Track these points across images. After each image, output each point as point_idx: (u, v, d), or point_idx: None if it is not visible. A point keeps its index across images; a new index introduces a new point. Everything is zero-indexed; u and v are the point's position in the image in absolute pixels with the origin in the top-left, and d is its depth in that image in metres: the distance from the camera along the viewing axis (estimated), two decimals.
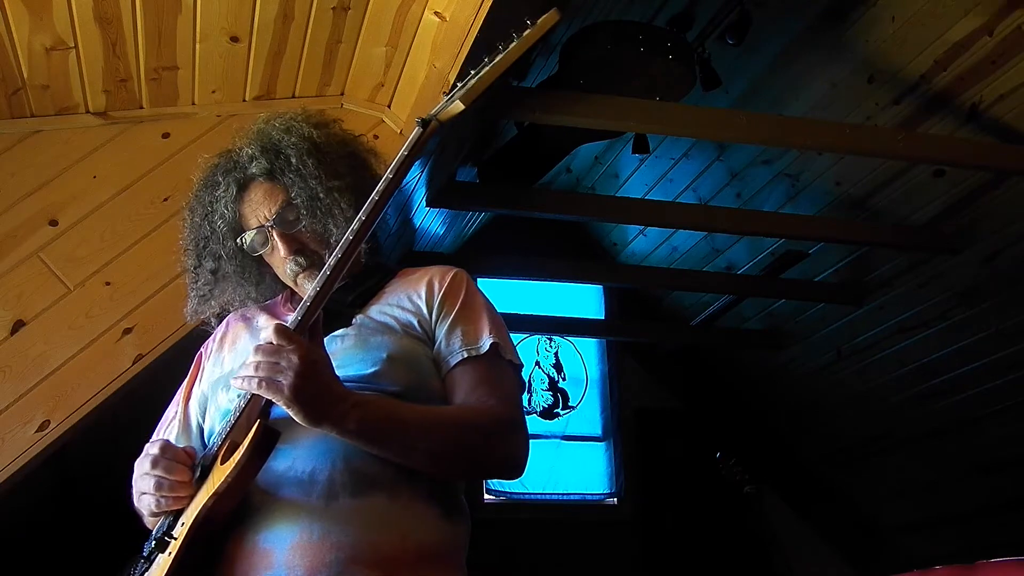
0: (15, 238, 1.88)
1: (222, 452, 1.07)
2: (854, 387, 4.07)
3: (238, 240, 1.31)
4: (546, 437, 4.49)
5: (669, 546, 4.37)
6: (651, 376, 4.80)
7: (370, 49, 2.05)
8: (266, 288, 1.38)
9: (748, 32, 2.84)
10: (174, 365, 1.57)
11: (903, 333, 3.66)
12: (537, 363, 4.68)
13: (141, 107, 2.04)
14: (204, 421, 1.29)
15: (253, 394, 1.06)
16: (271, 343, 1.03)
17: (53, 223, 1.92)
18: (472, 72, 1.18)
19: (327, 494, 1.07)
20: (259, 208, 1.29)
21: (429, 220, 3.34)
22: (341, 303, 1.24)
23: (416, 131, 1.15)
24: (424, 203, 2.85)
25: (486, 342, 1.21)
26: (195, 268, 1.35)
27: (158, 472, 1.10)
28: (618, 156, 4.00)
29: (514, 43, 1.18)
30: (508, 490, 4.32)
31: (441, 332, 1.23)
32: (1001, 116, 2.73)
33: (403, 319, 1.24)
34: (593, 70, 2.62)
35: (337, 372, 1.09)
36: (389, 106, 2.22)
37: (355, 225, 1.10)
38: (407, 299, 1.27)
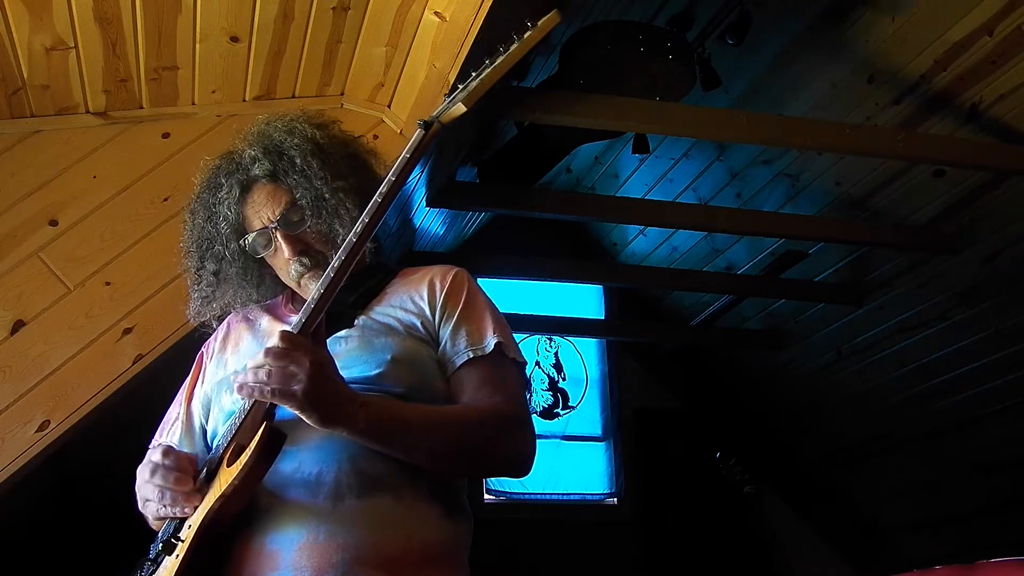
0: (15, 238, 1.89)
1: (228, 454, 1.07)
2: (854, 387, 4.07)
3: (241, 242, 1.31)
4: (546, 437, 4.49)
5: (669, 546, 4.37)
6: (651, 376, 4.80)
7: (370, 49, 2.05)
8: (267, 290, 1.38)
9: (748, 32, 2.84)
10: (174, 365, 1.57)
11: (903, 333, 3.66)
12: (537, 363, 4.68)
13: (141, 107, 2.04)
14: (207, 422, 1.30)
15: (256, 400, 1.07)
16: (278, 348, 1.03)
17: (53, 223, 1.92)
18: (473, 74, 1.18)
19: (334, 495, 1.07)
20: (262, 210, 1.29)
21: (429, 220, 3.34)
22: (343, 304, 1.24)
23: (418, 133, 1.15)
24: (424, 203, 2.85)
25: (490, 342, 1.22)
26: (197, 270, 1.35)
27: (159, 481, 1.10)
28: (618, 156, 4.00)
29: (515, 45, 1.18)
30: (508, 490, 4.32)
31: (445, 333, 1.24)
32: (1001, 116, 2.73)
33: (406, 320, 1.24)
34: (593, 70, 2.62)
35: (341, 373, 1.09)
36: (389, 106, 2.22)
37: (358, 227, 1.11)
38: (409, 300, 1.27)
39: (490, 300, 1.31)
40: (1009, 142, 2.75)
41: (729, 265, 4.10)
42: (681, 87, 2.75)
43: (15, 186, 1.92)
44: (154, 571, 1.11)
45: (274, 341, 1.04)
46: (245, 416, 1.08)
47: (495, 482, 4.29)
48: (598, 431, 4.64)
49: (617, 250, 4.65)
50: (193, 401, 1.33)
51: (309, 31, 1.96)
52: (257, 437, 1.02)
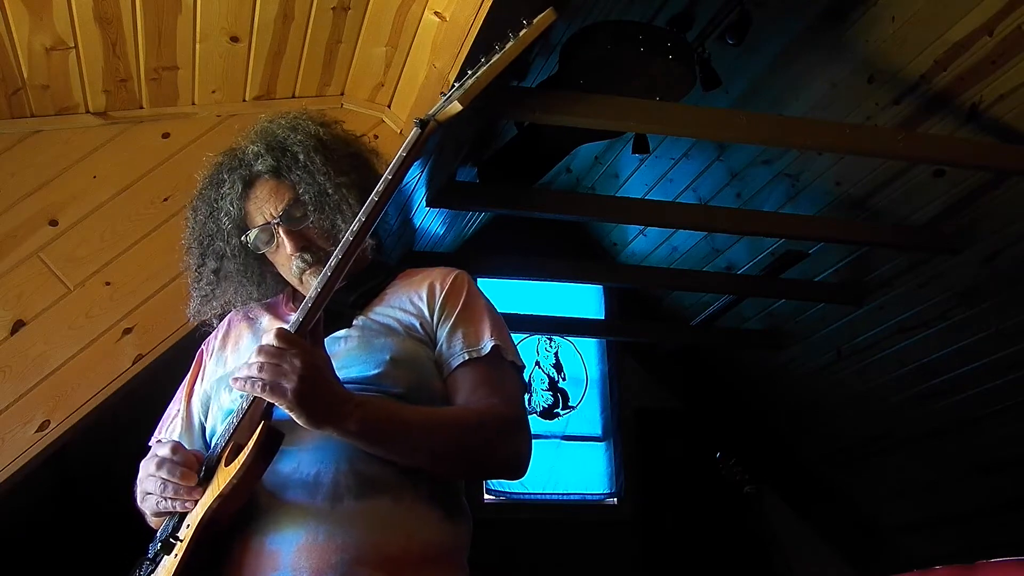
0: (15, 238, 1.89)
1: (226, 454, 1.07)
2: (854, 387, 4.07)
3: (243, 238, 1.31)
4: (546, 437, 4.49)
5: (669, 546, 4.37)
6: (651, 376, 4.80)
7: (370, 49, 2.05)
8: (267, 288, 1.38)
9: (748, 32, 2.84)
10: (174, 365, 1.57)
11: (903, 333, 3.66)
12: (537, 363, 4.67)
13: (141, 107, 2.04)
14: (206, 420, 1.30)
15: (254, 399, 1.07)
16: (273, 346, 1.03)
17: (53, 223, 1.92)
18: (469, 72, 1.18)
19: (332, 496, 1.07)
20: (265, 205, 1.29)
21: (429, 220, 3.34)
22: (342, 304, 1.24)
23: (414, 132, 1.15)
24: (424, 203, 2.85)
25: (487, 344, 1.22)
26: (198, 267, 1.35)
27: (164, 474, 1.10)
28: (618, 156, 4.00)
29: (511, 43, 1.17)
30: (508, 490, 4.32)
31: (443, 334, 1.24)
32: (1001, 116, 2.73)
33: (405, 321, 1.24)
34: (593, 70, 2.62)
35: (339, 373, 1.09)
36: (389, 106, 2.22)
37: (355, 226, 1.11)
38: (409, 301, 1.27)
39: (489, 303, 1.31)
40: (1009, 142, 2.75)
41: (729, 265, 4.10)
42: (681, 87, 2.75)
43: (15, 186, 1.92)
44: (153, 570, 1.11)
45: (269, 339, 1.04)
46: (243, 415, 1.08)
47: (495, 482, 4.28)
48: (598, 431, 4.64)
49: (617, 250, 4.65)
50: (192, 398, 1.33)
51: (309, 31, 1.96)
52: (255, 437, 1.02)
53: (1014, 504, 3.71)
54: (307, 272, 1.27)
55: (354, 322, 1.24)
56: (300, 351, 1.03)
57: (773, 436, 4.70)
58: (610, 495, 4.51)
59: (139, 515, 1.23)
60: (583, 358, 4.79)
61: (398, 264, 1.42)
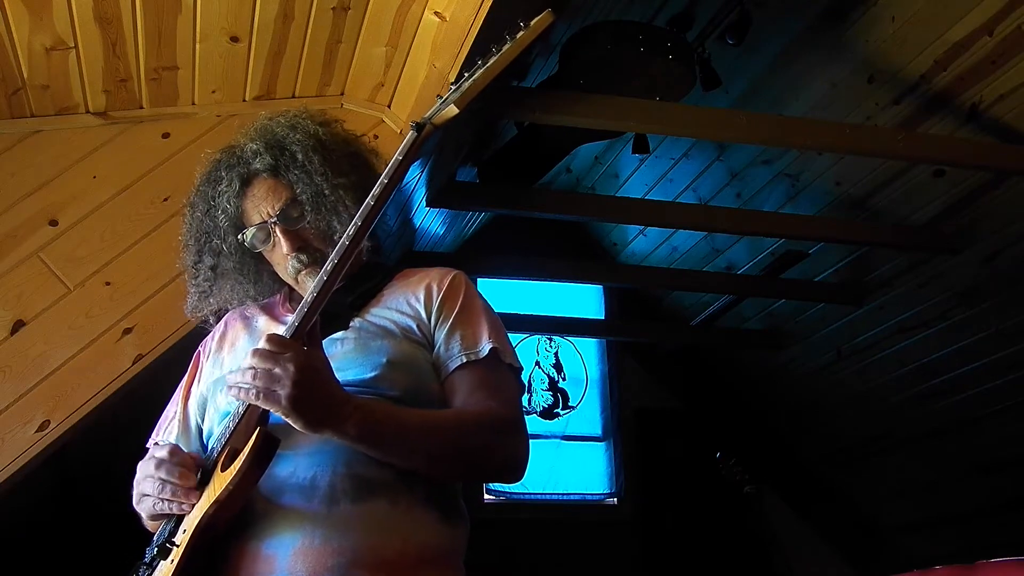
0: (15, 238, 1.88)
1: (222, 459, 1.07)
2: (854, 387, 4.07)
3: (239, 236, 1.30)
4: (546, 437, 4.49)
5: (669, 546, 4.37)
6: (651, 376, 4.80)
7: (370, 49, 2.05)
8: (264, 287, 1.38)
9: (748, 32, 2.84)
10: (174, 365, 1.57)
11: (903, 333, 3.66)
12: (537, 363, 4.68)
13: (141, 107, 2.04)
14: (203, 422, 1.29)
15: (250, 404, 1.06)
16: (266, 350, 1.02)
17: (53, 223, 1.92)
18: (466, 75, 1.17)
19: (328, 500, 1.07)
20: (262, 204, 1.29)
21: (429, 220, 3.34)
22: (339, 305, 1.23)
23: (410, 135, 1.14)
24: (424, 203, 2.85)
25: (485, 347, 1.21)
26: (195, 264, 1.35)
27: (163, 475, 1.10)
28: (618, 156, 4.00)
29: (507, 45, 1.17)
30: (508, 490, 4.32)
31: (440, 336, 1.23)
32: (1001, 116, 2.73)
33: (402, 323, 1.23)
34: (593, 70, 2.62)
35: (336, 376, 1.09)
36: (389, 106, 2.22)
37: (351, 230, 1.10)
38: (406, 303, 1.26)
39: (487, 304, 1.30)
40: (1009, 142, 2.75)
41: (729, 265, 4.10)
42: (681, 87, 2.75)
43: (15, 186, 1.92)
44: (150, 575, 1.11)
45: (263, 343, 1.04)
46: (239, 420, 1.08)
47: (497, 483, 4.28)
48: (598, 431, 4.64)
49: (617, 250, 4.65)
50: (189, 400, 1.33)
51: (309, 31, 1.96)
52: (251, 443, 1.01)
53: (1014, 504, 3.71)
54: (303, 272, 1.27)
55: (351, 324, 1.24)
56: (294, 355, 1.02)
57: (773, 436, 4.70)
58: (610, 495, 4.51)
59: (137, 516, 1.23)
60: (583, 358, 4.79)
61: (396, 264, 1.42)
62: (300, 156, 1.28)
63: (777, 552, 3.31)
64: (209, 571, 1.06)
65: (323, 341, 1.13)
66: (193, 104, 2.08)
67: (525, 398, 4.52)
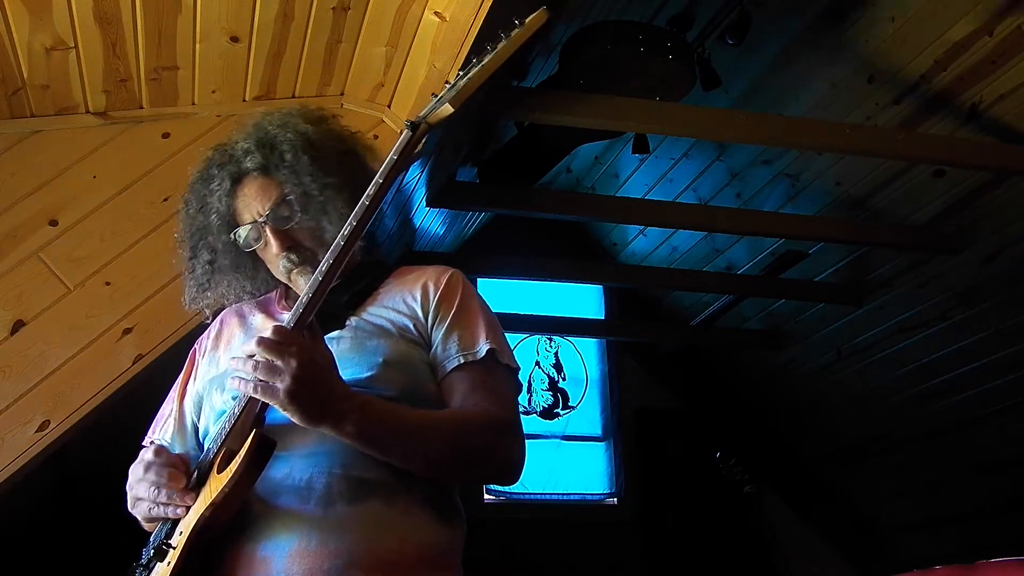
0: (15, 238, 1.88)
1: (218, 460, 1.07)
2: (854, 387, 4.07)
3: (231, 235, 1.30)
4: (546, 437, 4.49)
5: (669, 546, 4.37)
6: (651, 376, 4.80)
7: (370, 49, 2.05)
8: (261, 283, 1.37)
9: (748, 32, 2.84)
10: (174, 365, 1.57)
11: (903, 333, 3.66)
12: (537, 363, 4.68)
13: (141, 107, 2.04)
14: (199, 420, 1.29)
15: (248, 400, 1.06)
16: (270, 341, 1.02)
17: (53, 223, 1.92)
18: (461, 73, 1.17)
19: (324, 501, 1.07)
20: (253, 203, 1.28)
21: (429, 220, 3.34)
22: (335, 304, 1.23)
23: (405, 134, 1.13)
24: (424, 203, 2.85)
25: (483, 347, 1.21)
26: (191, 259, 1.35)
27: (153, 477, 1.10)
28: (618, 156, 4.00)
29: (502, 44, 1.16)
30: (508, 490, 4.32)
31: (437, 336, 1.22)
32: (1001, 116, 2.73)
33: (398, 322, 1.23)
34: (593, 70, 2.62)
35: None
36: (389, 106, 2.22)
37: (345, 231, 1.09)
38: (402, 301, 1.25)
39: (484, 303, 1.30)
40: (1009, 142, 2.74)
41: (729, 265, 4.10)
42: (681, 87, 2.75)
43: (15, 186, 1.92)
44: None
45: (267, 333, 1.03)
46: (235, 421, 1.07)
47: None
48: (598, 431, 4.64)
49: (617, 250, 4.65)
50: (185, 399, 1.32)
51: (309, 31, 1.96)
52: (246, 445, 1.01)
53: (1014, 504, 3.71)
54: (294, 271, 1.26)
55: (347, 323, 1.23)
56: (298, 349, 1.02)
57: (773, 436, 4.70)
58: (610, 495, 4.51)
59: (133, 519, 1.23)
60: (583, 358, 4.79)
61: (395, 263, 1.41)
62: (289, 156, 1.27)
63: (777, 552, 3.31)
64: (205, 573, 1.06)
65: None
66: (193, 104, 2.08)
67: (525, 398, 4.53)
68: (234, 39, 1.92)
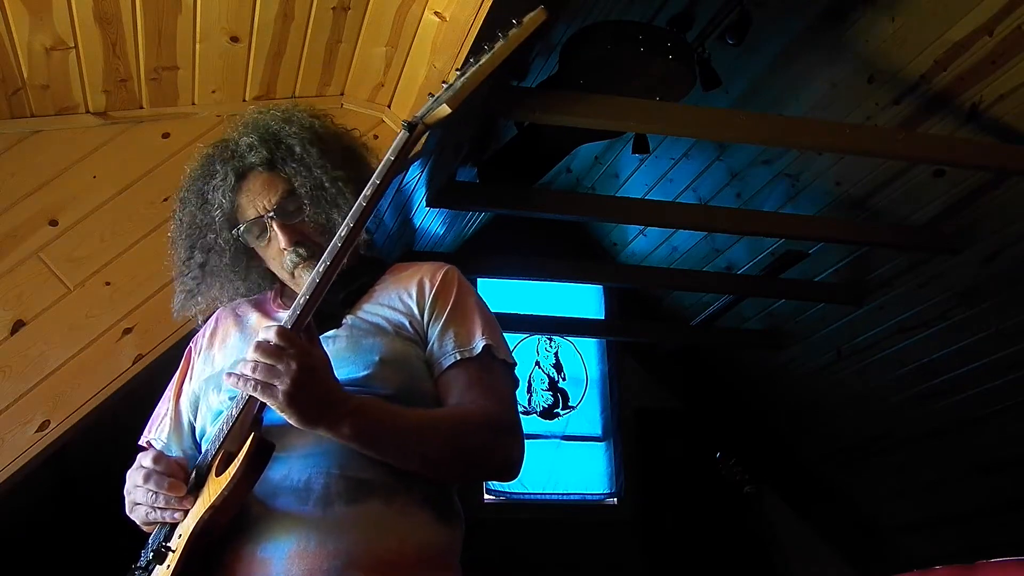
0: (15, 238, 1.88)
1: (217, 463, 1.06)
2: (854, 387, 4.07)
3: (234, 231, 1.29)
4: (546, 437, 4.49)
5: (669, 546, 4.37)
6: (651, 376, 4.80)
7: (370, 49, 2.05)
8: (252, 284, 1.36)
9: (748, 32, 2.84)
10: (174, 365, 1.57)
11: (903, 333, 3.66)
12: (537, 363, 4.67)
13: (141, 107, 2.04)
14: (195, 419, 1.28)
15: (246, 402, 1.06)
16: (271, 343, 1.01)
17: (53, 223, 1.92)
18: (458, 73, 1.16)
19: (323, 502, 1.07)
20: (258, 198, 1.27)
21: (429, 220, 3.34)
22: (331, 303, 1.21)
23: (402, 135, 1.12)
24: (424, 203, 2.85)
25: (479, 344, 1.20)
26: (185, 260, 1.33)
27: (152, 486, 1.10)
28: (618, 156, 4.00)
29: (500, 43, 1.14)
30: (508, 490, 4.32)
31: (433, 333, 1.22)
32: (1001, 116, 2.73)
33: (394, 320, 1.22)
34: (593, 70, 2.62)
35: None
36: (389, 106, 2.22)
37: (343, 231, 1.07)
38: (398, 299, 1.25)
39: (480, 299, 1.29)
40: (1009, 142, 2.74)
41: (729, 265, 4.10)
42: (681, 87, 2.75)
43: (15, 186, 1.92)
44: None
45: (269, 334, 1.02)
46: (233, 422, 1.07)
47: (495, 482, 4.28)
48: (598, 431, 4.64)
49: (617, 250, 4.65)
50: (181, 398, 1.32)
51: (309, 31, 1.96)
52: (245, 449, 1.00)
53: (1014, 504, 3.71)
54: (300, 266, 1.25)
55: (343, 321, 1.22)
56: (297, 352, 1.01)
57: (773, 436, 4.70)
58: (610, 495, 4.51)
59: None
60: (583, 358, 4.79)
61: (389, 259, 1.40)
62: (298, 149, 1.26)
63: (777, 552, 3.31)
64: (205, 575, 1.06)
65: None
66: (193, 104, 2.08)
67: (525, 398, 4.53)
68: (234, 39, 1.92)
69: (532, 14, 1.14)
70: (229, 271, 1.33)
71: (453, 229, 3.96)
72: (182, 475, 1.11)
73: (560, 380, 4.69)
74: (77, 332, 1.85)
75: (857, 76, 2.96)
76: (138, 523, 1.19)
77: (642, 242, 4.42)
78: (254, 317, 1.32)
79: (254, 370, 1.00)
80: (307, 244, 1.25)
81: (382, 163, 1.10)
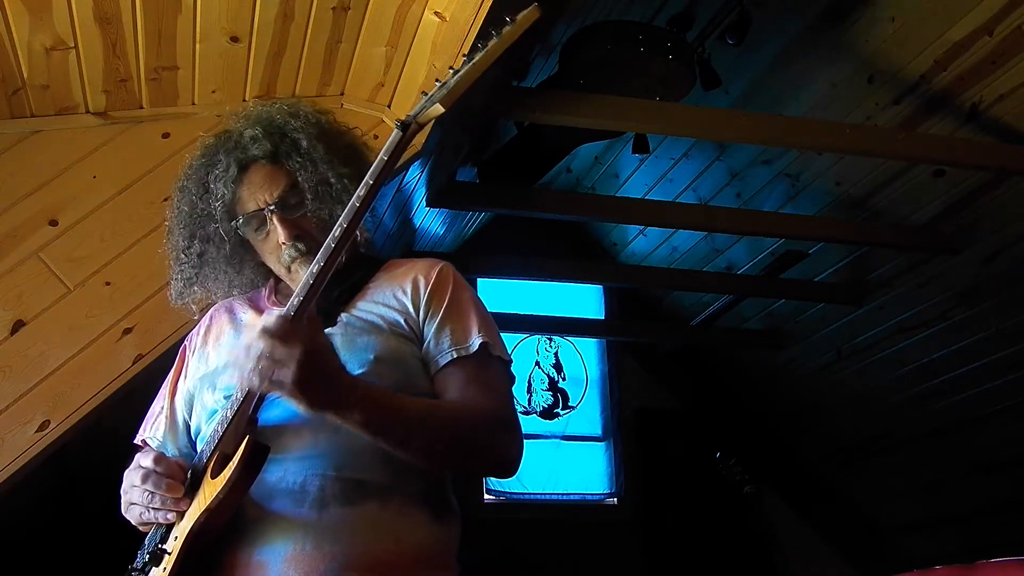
0: (15, 238, 1.88)
1: (212, 464, 1.06)
2: (854, 387, 4.07)
3: (233, 223, 1.27)
4: (546, 437, 4.49)
5: (669, 546, 4.37)
6: (651, 376, 4.80)
7: (370, 49, 2.05)
8: (245, 279, 1.35)
9: (748, 32, 2.84)
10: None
11: (903, 333, 3.66)
12: (537, 363, 4.67)
13: (141, 107, 2.04)
14: (190, 418, 1.28)
15: (241, 402, 1.05)
16: (271, 331, 0.98)
17: (53, 223, 1.92)
18: (452, 71, 1.16)
19: (318, 504, 1.06)
20: (259, 191, 1.25)
21: (429, 220, 3.34)
22: (326, 300, 1.21)
23: (395, 134, 1.10)
24: (424, 203, 2.85)
25: (475, 341, 1.20)
26: (184, 250, 1.31)
27: (150, 487, 1.09)
28: (618, 156, 4.00)
29: (493, 41, 1.13)
30: (508, 490, 4.32)
31: (429, 331, 1.21)
32: (1001, 116, 2.73)
33: (390, 317, 1.21)
34: (593, 70, 2.62)
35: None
36: (389, 106, 2.22)
37: (336, 232, 1.05)
38: (393, 296, 1.24)
39: (476, 296, 1.28)
40: (1009, 142, 2.74)
41: (729, 265, 4.10)
42: (681, 87, 2.75)
43: (15, 186, 1.92)
44: None
45: (269, 321, 0.99)
46: (228, 424, 1.07)
47: (495, 482, 4.28)
48: (598, 431, 4.64)
49: (617, 250, 4.65)
50: (176, 396, 1.31)
51: (309, 31, 1.96)
52: (240, 452, 1.00)
53: (1014, 504, 3.71)
54: (298, 261, 1.24)
55: (338, 319, 1.21)
56: (301, 338, 0.99)
57: (773, 436, 4.70)
58: (610, 495, 4.51)
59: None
60: (583, 358, 4.79)
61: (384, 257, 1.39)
62: (304, 143, 1.25)
63: (777, 552, 3.31)
64: None
65: None
66: (193, 104, 2.09)
67: (525, 398, 4.53)
68: (234, 39, 1.92)
69: (525, 12, 1.13)
70: (225, 263, 1.31)
71: (453, 229, 3.96)
72: (181, 476, 1.11)
73: (560, 380, 4.69)
74: (77, 332, 1.85)
75: (857, 76, 2.96)
76: (133, 523, 1.19)
77: (642, 242, 4.42)
78: (249, 314, 1.31)
79: (259, 360, 0.97)
80: (306, 239, 1.24)
81: (375, 162, 1.09)
